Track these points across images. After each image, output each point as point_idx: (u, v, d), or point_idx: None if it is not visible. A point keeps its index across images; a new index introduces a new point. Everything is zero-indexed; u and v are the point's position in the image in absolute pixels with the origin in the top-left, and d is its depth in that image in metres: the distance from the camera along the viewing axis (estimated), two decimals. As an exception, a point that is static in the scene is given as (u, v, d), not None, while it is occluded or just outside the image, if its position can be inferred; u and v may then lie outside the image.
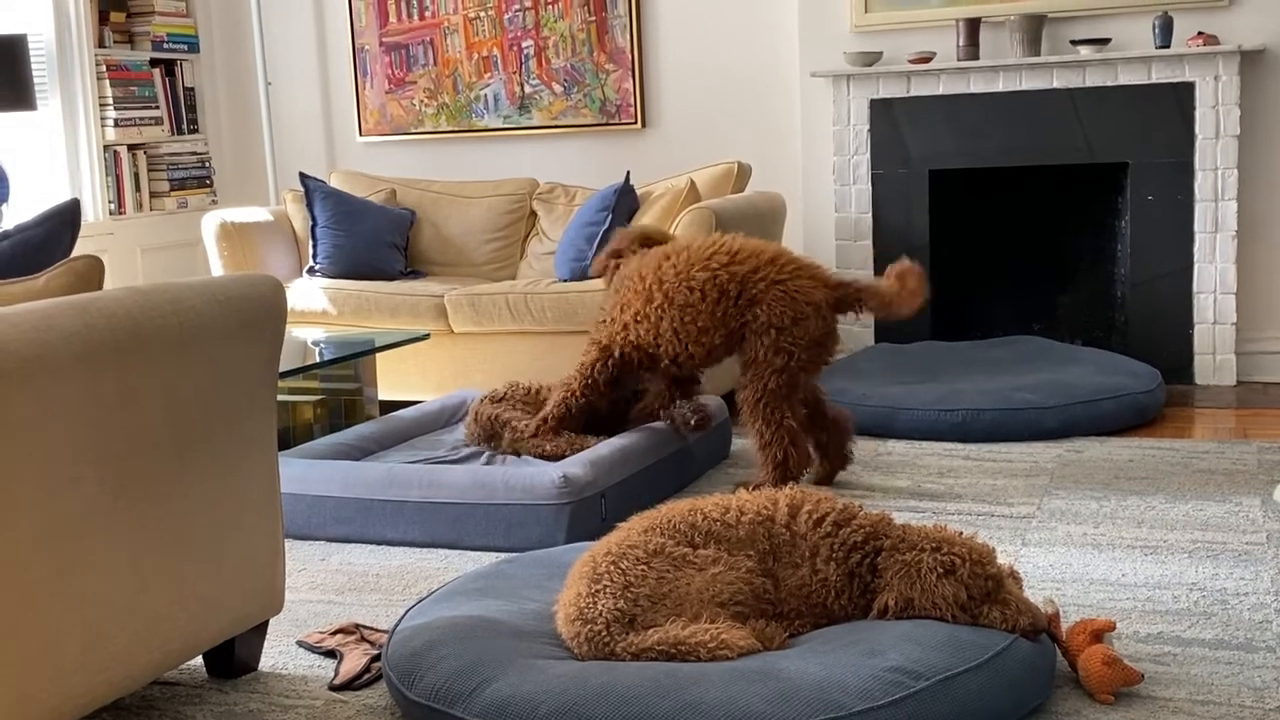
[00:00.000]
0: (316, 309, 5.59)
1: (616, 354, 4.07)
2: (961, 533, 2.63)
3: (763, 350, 3.85)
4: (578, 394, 4.10)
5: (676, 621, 2.50)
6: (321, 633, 3.03)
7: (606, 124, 6.34)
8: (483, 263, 5.98)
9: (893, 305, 3.92)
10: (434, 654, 2.52)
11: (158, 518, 2.44)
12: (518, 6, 6.40)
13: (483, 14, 6.47)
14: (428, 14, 6.56)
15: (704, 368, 4.13)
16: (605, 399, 4.17)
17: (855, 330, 5.85)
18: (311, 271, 5.82)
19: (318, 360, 4.54)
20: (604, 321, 4.13)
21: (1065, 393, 4.68)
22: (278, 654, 2.95)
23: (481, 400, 4.34)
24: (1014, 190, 5.83)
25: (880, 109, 5.70)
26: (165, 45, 6.64)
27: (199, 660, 2.85)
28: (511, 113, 6.49)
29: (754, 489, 3.00)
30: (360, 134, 6.77)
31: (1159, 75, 5.35)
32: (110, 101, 6.27)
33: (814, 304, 3.87)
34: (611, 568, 2.58)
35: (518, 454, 4.12)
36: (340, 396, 4.84)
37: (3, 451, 2.11)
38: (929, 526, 2.65)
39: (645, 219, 5.35)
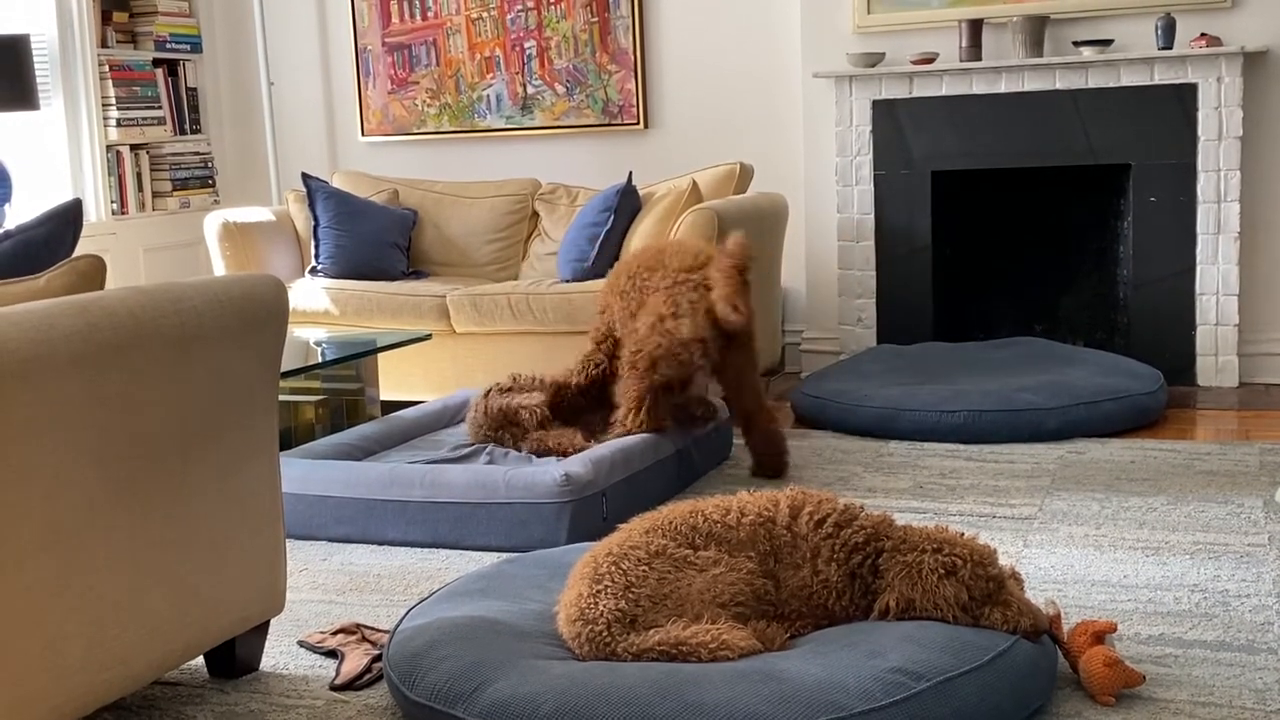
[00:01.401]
0: (318, 309, 5.59)
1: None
2: (963, 534, 2.62)
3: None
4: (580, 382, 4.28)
5: (678, 622, 2.50)
6: (322, 633, 3.03)
7: (609, 124, 6.34)
8: (485, 263, 5.98)
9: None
10: (435, 654, 2.52)
11: (159, 518, 2.44)
12: (520, 7, 6.40)
13: (485, 14, 6.47)
14: (430, 14, 6.56)
15: None
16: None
17: (858, 332, 5.85)
18: (313, 272, 5.82)
19: (319, 360, 4.54)
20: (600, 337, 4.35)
21: (1067, 394, 4.68)
22: (279, 654, 2.95)
23: (488, 393, 4.30)
24: (1016, 191, 5.82)
25: (882, 110, 5.70)
26: (168, 45, 6.64)
27: (200, 660, 2.85)
28: (514, 113, 6.49)
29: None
30: (363, 134, 6.78)
31: (1161, 77, 5.35)
32: (113, 101, 6.27)
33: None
34: (613, 568, 2.58)
35: (541, 447, 4.14)
36: (342, 397, 4.85)
37: (4, 452, 2.11)
38: (930, 527, 2.65)
39: (647, 220, 5.35)
